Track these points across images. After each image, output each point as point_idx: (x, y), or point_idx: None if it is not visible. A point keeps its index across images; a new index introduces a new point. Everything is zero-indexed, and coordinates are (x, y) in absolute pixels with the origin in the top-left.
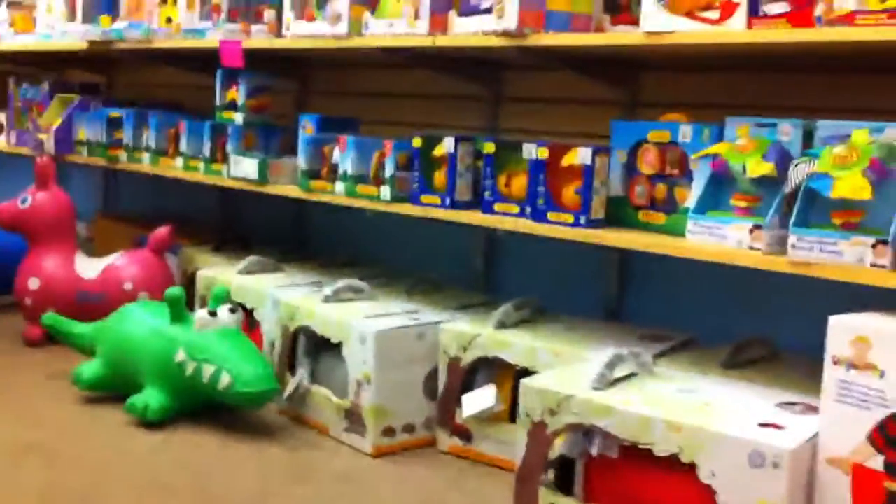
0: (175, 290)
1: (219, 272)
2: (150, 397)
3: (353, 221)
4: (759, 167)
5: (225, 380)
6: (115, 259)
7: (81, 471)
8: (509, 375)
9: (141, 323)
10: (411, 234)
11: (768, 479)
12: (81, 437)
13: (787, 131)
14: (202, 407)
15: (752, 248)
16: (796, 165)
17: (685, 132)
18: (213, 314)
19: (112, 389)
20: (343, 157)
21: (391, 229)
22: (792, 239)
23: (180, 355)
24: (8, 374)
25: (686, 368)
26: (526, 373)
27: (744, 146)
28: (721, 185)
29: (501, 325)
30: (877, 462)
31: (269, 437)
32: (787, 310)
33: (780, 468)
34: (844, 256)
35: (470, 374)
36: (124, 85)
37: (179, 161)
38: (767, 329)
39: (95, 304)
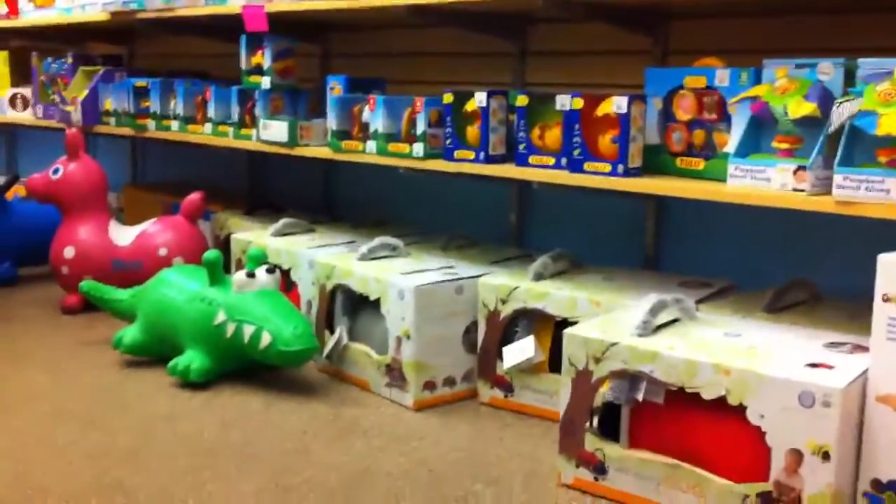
0: (213, 253)
1: (252, 235)
2: (192, 359)
3: (381, 182)
4: (801, 108)
5: (265, 339)
6: (149, 226)
7: (127, 433)
8: (549, 326)
9: (179, 287)
10: (441, 191)
11: (818, 419)
12: (125, 401)
13: (828, 70)
14: (243, 367)
15: (796, 189)
16: (840, 104)
17: (722, 76)
18: (251, 275)
19: (152, 353)
20: (373, 116)
21: (421, 188)
22: (837, 179)
23: (220, 317)
24: (48, 341)
25: (728, 313)
26: (565, 323)
27: (784, 87)
28: (761, 128)
29: (539, 277)
30: None
31: (311, 394)
32: (827, 253)
33: (830, 407)
34: (892, 194)
35: (509, 327)
36: (146, 55)
37: (208, 127)
38: (808, 273)
39: (131, 271)
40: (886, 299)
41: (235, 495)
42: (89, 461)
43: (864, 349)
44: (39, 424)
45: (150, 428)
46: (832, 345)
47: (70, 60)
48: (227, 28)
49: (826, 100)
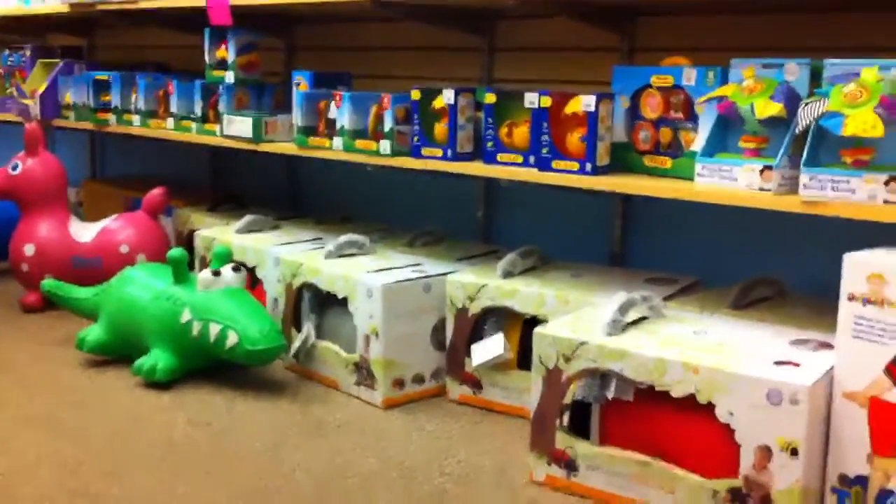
0: (177, 252)
1: (217, 232)
2: (158, 358)
3: (346, 177)
4: (768, 108)
5: (232, 338)
6: (110, 222)
7: (94, 435)
8: (517, 323)
9: (144, 285)
10: (407, 186)
11: (787, 416)
12: (90, 401)
13: (794, 71)
14: (209, 366)
15: (762, 188)
16: (806, 105)
17: (689, 75)
18: (216, 273)
19: (116, 353)
20: (340, 112)
21: (386, 183)
22: (804, 178)
23: (186, 316)
24: (9, 341)
25: (696, 310)
26: (534, 320)
27: (751, 87)
28: (728, 127)
29: (508, 274)
30: (893, 395)
31: (279, 393)
32: (792, 250)
33: (798, 404)
34: (857, 194)
35: (478, 324)
36: (106, 48)
37: (171, 122)
38: (773, 270)
39: (92, 268)
40: (852, 298)
41: (207, 498)
42: (58, 468)
43: (829, 346)
44: (4, 429)
45: (117, 431)
46: (798, 342)
47: (28, 53)
48: (190, 21)
49: (792, 100)
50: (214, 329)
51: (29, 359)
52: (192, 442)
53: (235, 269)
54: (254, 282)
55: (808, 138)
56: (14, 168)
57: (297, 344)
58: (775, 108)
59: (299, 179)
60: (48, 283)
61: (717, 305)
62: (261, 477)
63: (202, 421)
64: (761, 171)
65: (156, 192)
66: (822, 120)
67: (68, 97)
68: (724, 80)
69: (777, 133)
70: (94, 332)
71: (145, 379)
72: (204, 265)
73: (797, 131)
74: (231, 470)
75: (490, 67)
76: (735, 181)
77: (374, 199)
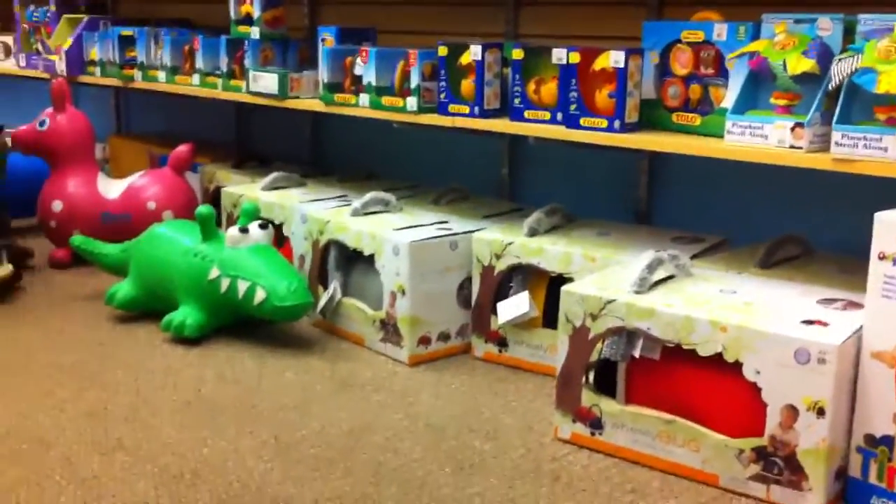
0: (205, 209)
1: (243, 189)
2: (187, 314)
3: (370, 134)
4: (801, 64)
5: (260, 295)
6: (137, 179)
7: (122, 387)
8: (543, 281)
9: (172, 242)
10: (431, 145)
11: (814, 375)
12: (118, 355)
13: (827, 26)
14: (238, 322)
15: (793, 146)
16: (839, 61)
17: (720, 31)
18: (244, 231)
19: (145, 308)
20: (366, 68)
21: (410, 140)
22: (836, 136)
23: (214, 272)
24: (38, 296)
25: (723, 269)
26: (560, 278)
27: (783, 43)
28: (759, 83)
29: (534, 233)
30: None
31: (306, 349)
32: (819, 209)
33: (825, 364)
34: (890, 152)
35: (503, 282)
36: (130, 2)
37: (196, 78)
38: (800, 228)
39: (120, 224)
40: (882, 257)
41: (235, 451)
42: (89, 418)
43: (857, 305)
44: (36, 381)
45: (145, 384)
46: (826, 301)
47: (53, 8)
48: None
49: (825, 56)
50: (242, 286)
51: (58, 313)
52: (220, 396)
53: (263, 226)
54: (280, 239)
55: (841, 95)
56: (41, 124)
57: (323, 301)
58: (807, 65)
59: (324, 136)
60: (77, 239)
61: (744, 264)
62: (288, 431)
63: (230, 376)
64: (792, 129)
65: (182, 149)
66: (855, 76)
67: (94, 53)
68: (755, 36)
69: (809, 90)
70: (123, 288)
71: (174, 335)
72: (231, 222)
73: (829, 88)
74: (259, 424)
75: (516, 22)
76: (765, 139)
77: (398, 157)
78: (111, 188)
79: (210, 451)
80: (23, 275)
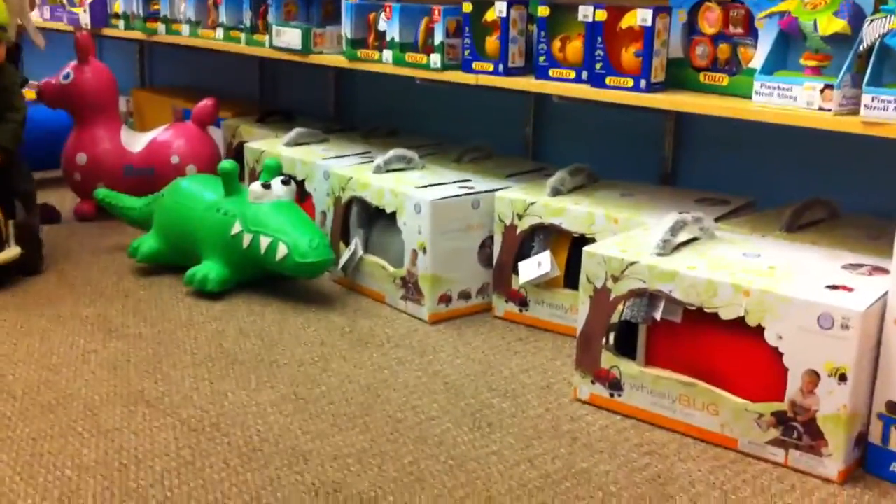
0: (228, 164)
1: (265, 144)
2: (209, 269)
3: (394, 90)
4: (832, 24)
5: (281, 251)
6: (161, 132)
7: (144, 339)
8: (565, 242)
9: (195, 196)
10: (454, 102)
11: (837, 341)
12: (141, 308)
13: None
14: (259, 277)
15: (822, 108)
16: (871, 22)
17: None
18: (266, 186)
19: (168, 262)
20: (390, 24)
21: (433, 97)
22: (866, 98)
23: (236, 228)
24: (62, 248)
25: (747, 232)
26: (582, 239)
27: (814, 3)
28: (788, 44)
29: (556, 192)
30: None
31: (327, 306)
32: (846, 172)
33: (849, 329)
34: None
35: (525, 241)
36: None
37: (219, 32)
38: (827, 191)
39: (143, 177)
40: None
41: (255, 405)
42: (112, 370)
43: (883, 271)
44: (60, 334)
45: (169, 337)
46: (851, 266)
47: None
48: None
49: (857, 17)
50: (265, 241)
51: (82, 266)
52: (241, 350)
53: (285, 182)
54: (303, 195)
55: (872, 57)
56: (66, 77)
57: (345, 258)
58: (839, 25)
59: (347, 92)
60: (101, 191)
61: (769, 227)
62: (308, 385)
63: (252, 330)
64: (822, 91)
65: (206, 103)
66: (887, 38)
67: (117, 6)
68: None
69: (840, 51)
70: (146, 242)
71: (196, 289)
72: (253, 177)
73: (861, 49)
74: (279, 377)
75: None
76: (794, 100)
77: (421, 114)
78: (135, 141)
79: (230, 405)
80: (41, 264)
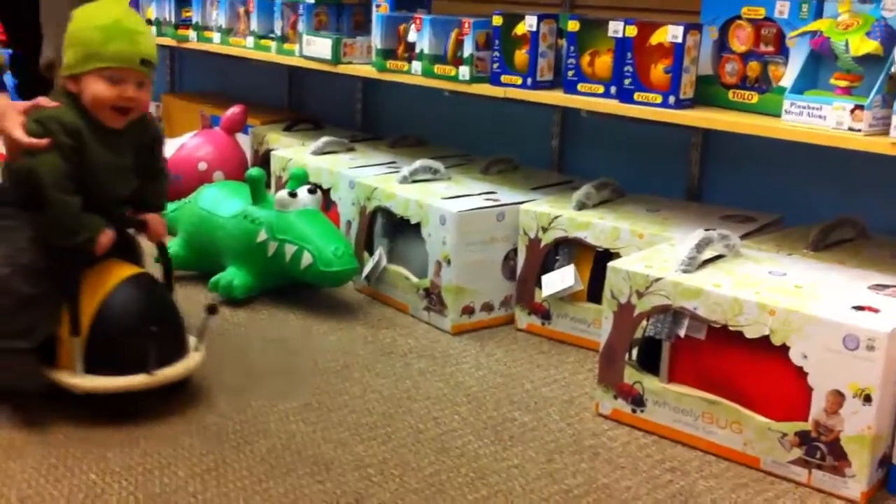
0: (256, 171)
1: (292, 153)
2: (234, 276)
3: (421, 101)
4: (864, 45)
5: (306, 259)
6: (189, 139)
7: None
8: (589, 256)
9: (221, 203)
10: (481, 114)
11: (862, 362)
12: None
13: (893, 7)
14: (284, 285)
15: (851, 129)
16: None
17: (782, 8)
18: (293, 195)
19: (194, 268)
20: (419, 36)
21: (461, 109)
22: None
23: (262, 235)
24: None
25: (773, 250)
26: (606, 253)
27: (846, 23)
28: (820, 63)
29: (582, 206)
30: None
31: (351, 314)
32: (875, 192)
33: (874, 351)
34: None
35: (549, 255)
36: None
37: (250, 40)
38: (856, 210)
39: (171, 183)
40: None
41: (278, 412)
42: None
43: None
44: None
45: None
46: (878, 287)
47: None
48: None
49: (890, 38)
50: (290, 249)
51: None
52: (264, 357)
53: (311, 191)
54: (328, 204)
55: None
56: None
57: (369, 267)
58: (871, 46)
59: (375, 102)
60: None
61: (796, 245)
62: (330, 394)
63: (275, 338)
64: (852, 111)
65: (235, 111)
66: None
67: (150, 12)
68: (818, 14)
69: (871, 71)
70: (172, 247)
71: (221, 295)
72: (280, 185)
73: (893, 70)
74: (302, 385)
75: None
76: (824, 120)
77: (448, 125)
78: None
79: (253, 412)
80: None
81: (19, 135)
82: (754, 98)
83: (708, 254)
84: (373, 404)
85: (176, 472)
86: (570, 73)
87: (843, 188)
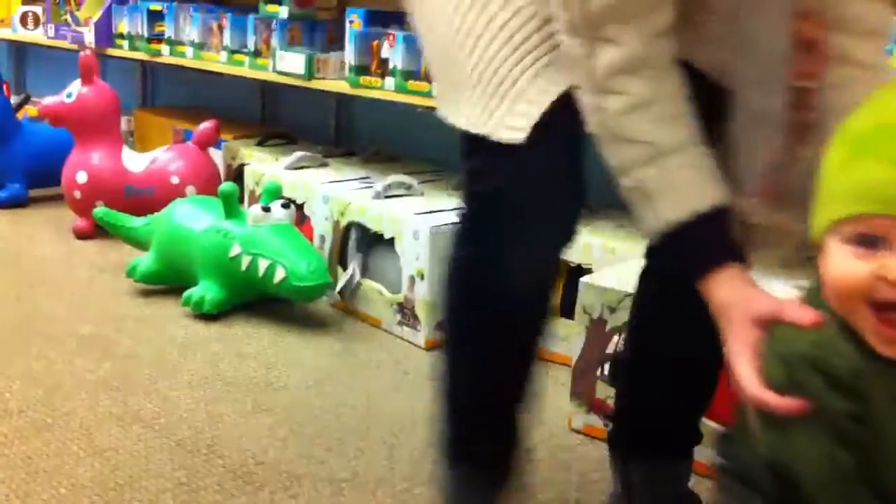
0: (229, 186)
1: (266, 167)
2: (207, 290)
3: (394, 117)
4: None
5: (280, 273)
6: (161, 153)
7: (141, 361)
8: (561, 271)
9: (195, 218)
10: (455, 131)
11: None
12: (138, 328)
13: None
14: (257, 300)
15: None
16: None
17: None
18: (266, 209)
19: (166, 282)
20: (393, 52)
21: (434, 125)
22: None
23: (235, 250)
24: (62, 266)
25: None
26: (578, 269)
27: None
28: None
29: None
30: None
31: (324, 329)
32: None
33: None
34: None
35: None
36: None
37: (223, 55)
38: None
39: (143, 197)
40: None
41: (251, 428)
42: (108, 390)
43: None
44: (56, 352)
45: (163, 357)
46: None
47: None
48: None
49: None
50: (263, 264)
51: (80, 284)
52: (237, 372)
53: (285, 206)
54: (301, 218)
55: None
56: (69, 96)
57: (342, 282)
58: None
59: (348, 117)
60: (100, 210)
61: (770, 262)
62: (303, 409)
63: (248, 352)
64: None
65: (207, 126)
66: None
67: (122, 26)
68: None
69: None
70: (144, 262)
71: (194, 310)
72: (253, 200)
73: None
74: (275, 400)
75: None
76: None
77: (421, 141)
78: (135, 161)
79: (225, 427)
80: None
81: (749, 383)
82: None
83: None
84: (346, 419)
85: (147, 487)
86: None
87: None
